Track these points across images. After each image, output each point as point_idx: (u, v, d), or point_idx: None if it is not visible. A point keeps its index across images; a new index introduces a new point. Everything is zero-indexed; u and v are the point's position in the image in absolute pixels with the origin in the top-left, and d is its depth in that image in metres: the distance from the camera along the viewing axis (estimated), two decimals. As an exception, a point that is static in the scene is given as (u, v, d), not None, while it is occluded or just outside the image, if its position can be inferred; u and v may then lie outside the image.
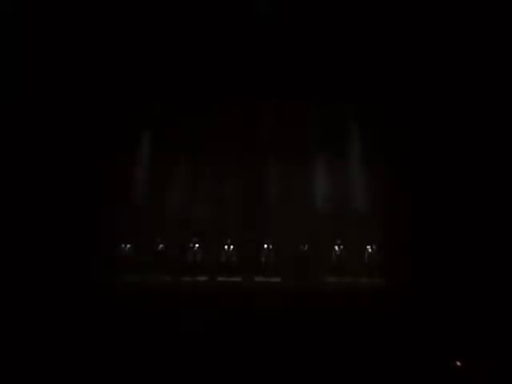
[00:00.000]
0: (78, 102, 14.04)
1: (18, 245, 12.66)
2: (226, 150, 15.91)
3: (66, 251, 13.18)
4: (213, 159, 15.95)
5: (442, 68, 13.54)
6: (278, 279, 14.89)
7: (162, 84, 14.32)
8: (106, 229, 14.52)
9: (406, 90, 14.18)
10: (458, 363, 9.21)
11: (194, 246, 15.28)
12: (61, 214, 13.28)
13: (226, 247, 15.26)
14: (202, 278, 14.91)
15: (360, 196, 15.38)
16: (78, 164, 14.07)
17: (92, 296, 12.22)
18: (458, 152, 13.58)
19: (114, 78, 13.96)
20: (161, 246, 15.23)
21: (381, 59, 13.86)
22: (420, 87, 13.97)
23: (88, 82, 14.00)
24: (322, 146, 15.77)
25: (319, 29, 13.28)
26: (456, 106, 13.58)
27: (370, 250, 14.92)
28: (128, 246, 15.12)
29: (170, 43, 13.45)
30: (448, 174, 13.56)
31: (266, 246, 15.23)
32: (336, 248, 15.05)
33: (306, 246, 15.12)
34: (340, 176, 15.56)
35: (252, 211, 15.50)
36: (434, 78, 13.69)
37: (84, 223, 13.76)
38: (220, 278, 14.90)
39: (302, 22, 13.15)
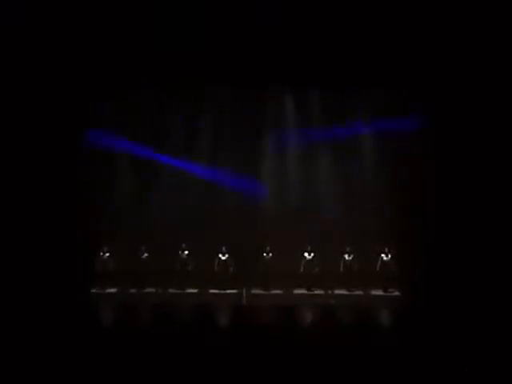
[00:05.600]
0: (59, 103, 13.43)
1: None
2: (219, 149, 14.88)
3: (48, 260, 13.06)
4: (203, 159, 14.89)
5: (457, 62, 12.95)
6: (278, 291, 13.80)
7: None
8: (87, 236, 13.78)
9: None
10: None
11: (183, 253, 13.90)
12: (42, 224, 13.19)
13: (220, 255, 13.91)
14: (192, 290, 13.81)
15: (373, 208, 14.33)
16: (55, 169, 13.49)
17: (73, 307, 12.07)
18: (480, 160, 12.97)
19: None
20: (145, 254, 13.88)
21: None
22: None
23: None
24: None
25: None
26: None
27: (384, 259, 13.75)
28: (107, 254, 13.83)
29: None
30: (466, 185, 13.08)
31: (265, 254, 13.90)
32: (346, 257, 13.83)
33: (312, 255, 13.88)
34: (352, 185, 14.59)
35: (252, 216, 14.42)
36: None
37: (65, 232, 13.42)
38: (213, 291, 13.79)
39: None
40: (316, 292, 13.65)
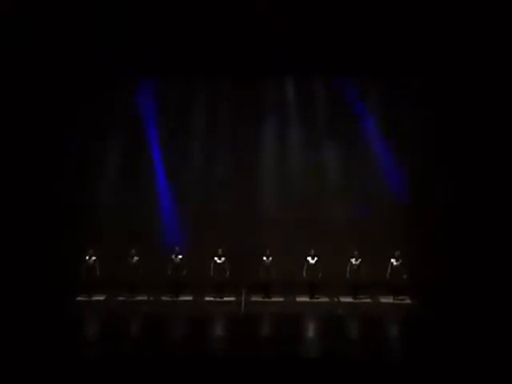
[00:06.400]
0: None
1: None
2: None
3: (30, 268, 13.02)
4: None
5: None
6: (280, 298, 13.36)
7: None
8: (71, 240, 13.60)
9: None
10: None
11: (177, 257, 13.30)
12: (23, 226, 13.16)
13: (216, 259, 13.30)
14: (187, 298, 13.32)
15: (382, 209, 14.10)
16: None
17: (57, 316, 11.80)
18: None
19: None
20: (135, 258, 13.31)
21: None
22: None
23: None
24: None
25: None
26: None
27: (394, 264, 13.22)
28: (94, 258, 13.27)
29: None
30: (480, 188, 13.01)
31: (265, 258, 13.36)
32: (353, 261, 13.31)
33: (316, 259, 13.35)
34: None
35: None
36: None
37: (47, 235, 13.41)
38: (208, 298, 13.31)
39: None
40: (320, 299, 13.14)
